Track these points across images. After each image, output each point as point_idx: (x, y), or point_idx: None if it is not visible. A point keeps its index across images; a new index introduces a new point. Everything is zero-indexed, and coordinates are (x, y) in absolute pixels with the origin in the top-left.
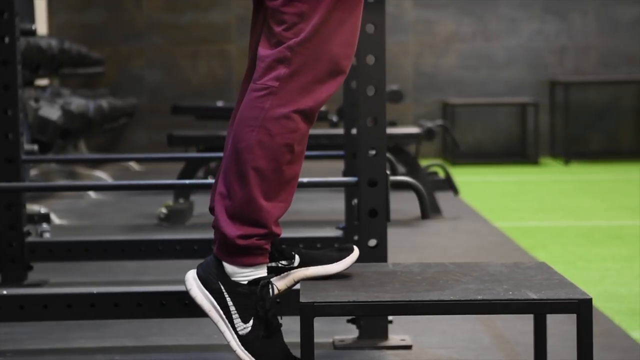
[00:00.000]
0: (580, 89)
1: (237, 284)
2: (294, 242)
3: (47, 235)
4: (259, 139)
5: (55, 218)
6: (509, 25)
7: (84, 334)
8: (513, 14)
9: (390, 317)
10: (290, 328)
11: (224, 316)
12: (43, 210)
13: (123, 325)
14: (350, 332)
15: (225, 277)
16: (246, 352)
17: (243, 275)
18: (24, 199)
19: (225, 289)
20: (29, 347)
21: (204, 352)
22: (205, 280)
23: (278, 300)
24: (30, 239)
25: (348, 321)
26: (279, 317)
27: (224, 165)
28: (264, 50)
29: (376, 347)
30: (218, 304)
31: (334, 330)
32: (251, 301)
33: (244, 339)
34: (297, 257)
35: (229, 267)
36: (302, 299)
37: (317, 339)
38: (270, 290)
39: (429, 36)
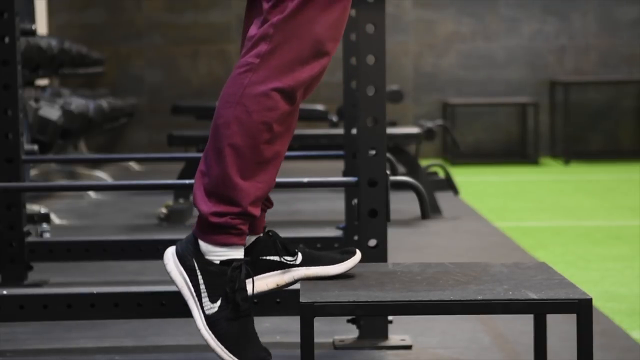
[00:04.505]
0: (580, 89)
1: (210, 262)
2: (294, 242)
3: (47, 235)
4: (236, 115)
5: (55, 218)
6: (509, 25)
7: (84, 334)
8: (513, 14)
9: (390, 317)
10: (290, 328)
11: (194, 294)
12: (43, 210)
13: (123, 325)
14: (350, 332)
15: (200, 255)
16: (210, 332)
17: (216, 254)
18: (24, 199)
19: (198, 266)
20: (29, 347)
21: (204, 352)
22: (181, 256)
23: (255, 293)
24: (30, 239)
25: (348, 321)
26: (249, 302)
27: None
28: (252, 30)
29: (376, 347)
30: (190, 281)
31: (334, 330)
32: (222, 281)
33: (209, 319)
34: (299, 254)
35: (203, 245)
36: (302, 299)
37: (317, 339)
38: (242, 273)
39: (429, 36)
